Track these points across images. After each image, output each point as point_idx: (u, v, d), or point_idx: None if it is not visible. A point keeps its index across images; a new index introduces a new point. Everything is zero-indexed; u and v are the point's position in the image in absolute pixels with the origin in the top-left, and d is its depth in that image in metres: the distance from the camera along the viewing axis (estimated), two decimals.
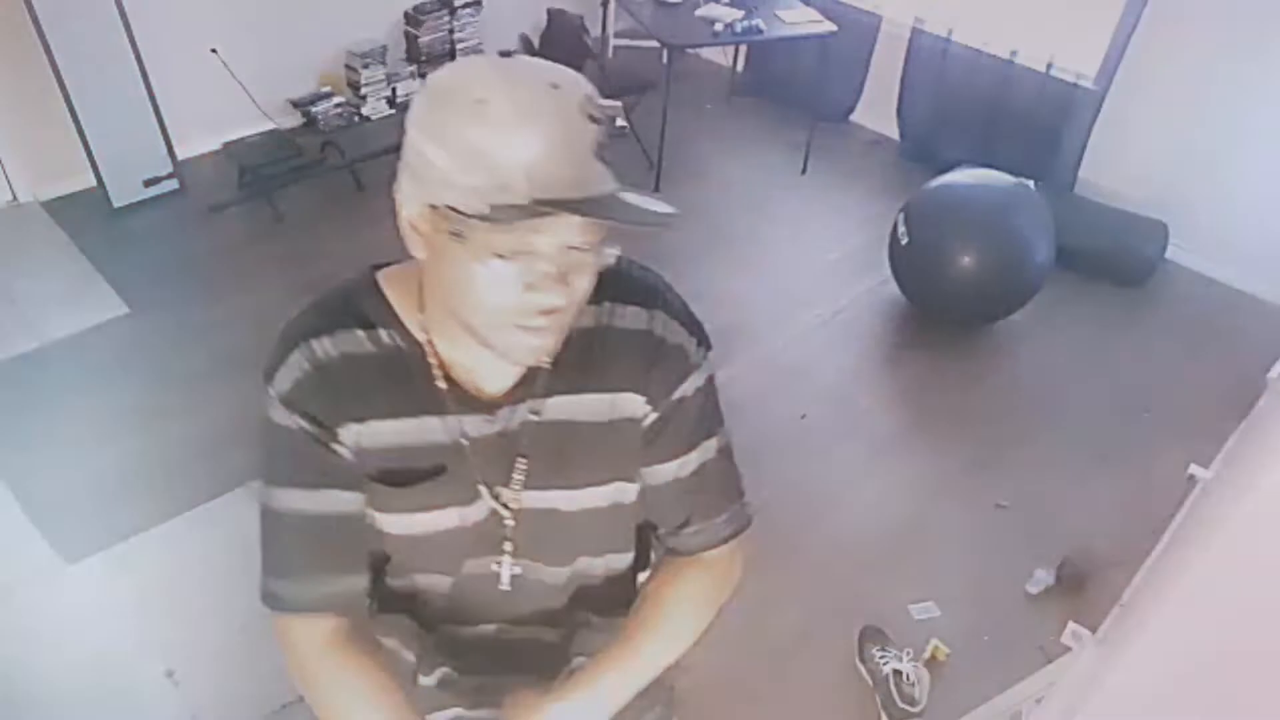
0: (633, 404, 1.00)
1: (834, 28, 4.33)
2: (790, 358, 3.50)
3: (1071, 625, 1.82)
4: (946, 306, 3.60)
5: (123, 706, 2.24)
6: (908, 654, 2.43)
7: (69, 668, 2.29)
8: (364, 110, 4.74)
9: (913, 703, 2.34)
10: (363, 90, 4.69)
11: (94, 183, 3.87)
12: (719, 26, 4.29)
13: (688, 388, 1.01)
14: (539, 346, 0.87)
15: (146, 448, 2.94)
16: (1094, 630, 1.69)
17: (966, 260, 3.36)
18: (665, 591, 1.09)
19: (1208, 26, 3.72)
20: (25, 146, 3.88)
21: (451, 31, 4.90)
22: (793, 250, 4.12)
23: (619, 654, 1.04)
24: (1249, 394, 3.23)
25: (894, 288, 3.73)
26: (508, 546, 1.03)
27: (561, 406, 0.98)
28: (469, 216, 0.78)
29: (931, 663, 2.47)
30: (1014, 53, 4.28)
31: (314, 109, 4.57)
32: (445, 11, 4.82)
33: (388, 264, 1.00)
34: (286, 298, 3.66)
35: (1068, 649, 1.73)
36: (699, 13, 4.42)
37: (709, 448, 1.06)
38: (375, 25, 4.73)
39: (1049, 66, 4.19)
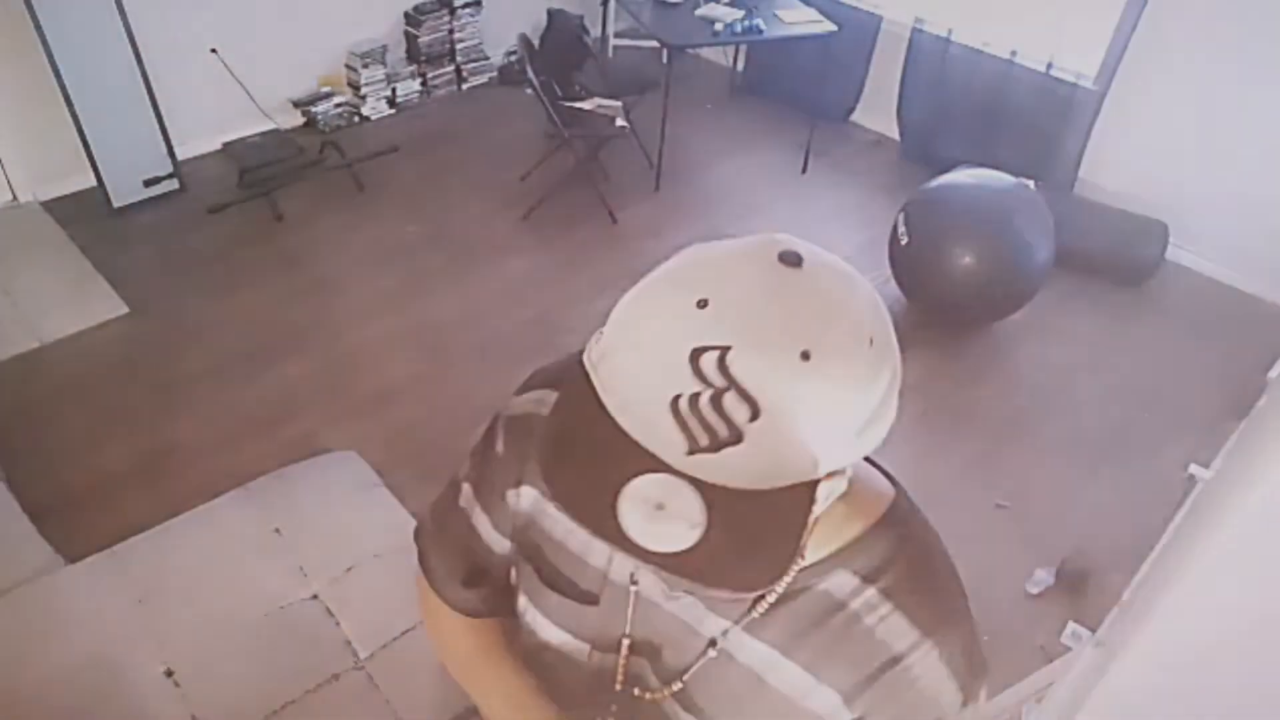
0: (831, 705, 0.79)
1: (834, 28, 4.33)
2: None
3: (1071, 625, 1.82)
4: (946, 306, 3.60)
5: (123, 706, 2.24)
6: None
7: (69, 668, 2.29)
8: (364, 110, 4.74)
9: None
10: (363, 90, 4.69)
11: (94, 183, 3.87)
12: (719, 26, 4.29)
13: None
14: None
15: (147, 447, 2.94)
16: (1094, 630, 1.69)
17: (966, 260, 3.36)
18: None
19: (1208, 26, 3.72)
20: (25, 146, 3.88)
21: (451, 31, 4.90)
22: None
23: None
24: (1249, 394, 3.25)
25: (894, 288, 3.72)
26: None
27: (754, 653, 0.79)
28: None
29: None
30: (1014, 53, 4.28)
31: (314, 109, 4.57)
32: (445, 11, 4.82)
33: None
34: (286, 298, 3.69)
35: (1068, 649, 1.73)
36: (699, 13, 4.41)
37: None
38: (375, 25, 4.73)
39: (1049, 66, 4.19)
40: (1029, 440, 3.24)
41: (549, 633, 0.89)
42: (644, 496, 0.59)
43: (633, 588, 0.82)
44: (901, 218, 3.58)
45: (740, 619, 0.78)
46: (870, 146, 4.91)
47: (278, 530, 2.67)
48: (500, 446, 0.89)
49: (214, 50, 4.09)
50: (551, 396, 0.79)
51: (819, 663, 0.78)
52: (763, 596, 0.76)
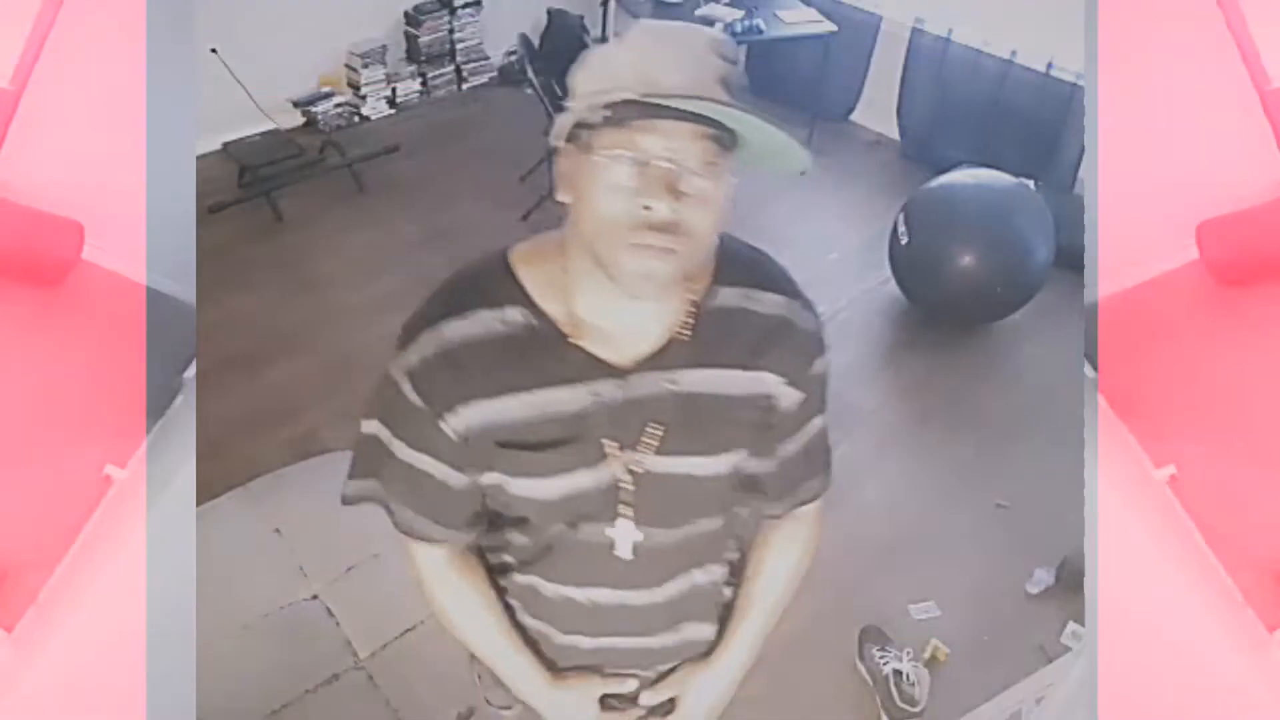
0: (770, 383, 1.06)
1: (834, 28, 4.33)
2: None
3: (1071, 625, 1.83)
4: (946, 306, 3.60)
5: None
6: (908, 654, 2.43)
7: None
8: (364, 110, 4.74)
9: (913, 703, 2.34)
10: (363, 90, 4.69)
11: None
12: (719, 26, 4.29)
13: (821, 367, 1.11)
14: (653, 270, 0.89)
15: None
16: None
17: (966, 260, 3.36)
18: (771, 550, 1.25)
19: None
20: None
21: (451, 31, 4.90)
22: (793, 250, 4.08)
23: (741, 615, 1.23)
24: None
25: (894, 288, 3.73)
26: (627, 511, 1.06)
27: (699, 379, 1.02)
28: (590, 126, 0.85)
29: (931, 663, 2.47)
30: (1014, 53, 4.28)
31: (314, 109, 4.57)
32: (445, 11, 4.82)
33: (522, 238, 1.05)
34: (286, 298, 3.68)
35: (1068, 649, 1.73)
36: (699, 13, 4.42)
37: (821, 422, 1.16)
38: (375, 25, 4.73)
39: (1049, 66, 4.19)
40: (1029, 440, 3.23)
41: (547, 487, 1.03)
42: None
43: (593, 404, 0.99)
44: (901, 218, 3.58)
45: (679, 364, 1.01)
46: (870, 146, 4.91)
47: (278, 530, 2.67)
48: (414, 398, 0.99)
49: (214, 50, 4.09)
50: (490, 314, 0.97)
51: (742, 356, 1.03)
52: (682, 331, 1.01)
